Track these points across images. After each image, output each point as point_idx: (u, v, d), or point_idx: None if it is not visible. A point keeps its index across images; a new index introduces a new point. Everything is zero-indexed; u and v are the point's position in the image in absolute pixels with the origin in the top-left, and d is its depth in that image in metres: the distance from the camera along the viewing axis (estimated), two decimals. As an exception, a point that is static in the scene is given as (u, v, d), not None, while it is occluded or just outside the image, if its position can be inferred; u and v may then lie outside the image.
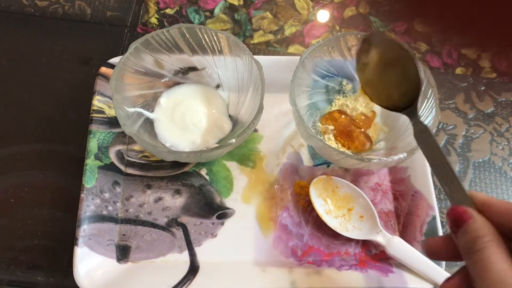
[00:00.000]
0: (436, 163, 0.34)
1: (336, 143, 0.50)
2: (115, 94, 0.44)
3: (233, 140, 0.44)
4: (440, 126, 0.56)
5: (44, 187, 0.50)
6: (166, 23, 0.61)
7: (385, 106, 0.44)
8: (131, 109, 0.47)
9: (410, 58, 0.41)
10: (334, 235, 0.48)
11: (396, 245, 0.46)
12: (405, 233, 0.48)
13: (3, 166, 0.51)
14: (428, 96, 0.47)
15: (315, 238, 0.48)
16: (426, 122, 0.46)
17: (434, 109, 0.46)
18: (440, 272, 0.44)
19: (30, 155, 0.51)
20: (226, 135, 0.50)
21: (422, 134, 0.37)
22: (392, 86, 0.44)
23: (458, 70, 0.60)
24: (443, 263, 0.45)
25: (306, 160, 0.52)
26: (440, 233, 0.46)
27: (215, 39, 0.49)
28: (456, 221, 0.29)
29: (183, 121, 0.50)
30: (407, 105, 0.41)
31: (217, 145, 0.49)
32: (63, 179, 0.50)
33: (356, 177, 0.51)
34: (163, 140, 0.49)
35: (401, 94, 0.43)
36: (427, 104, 0.47)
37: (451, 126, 0.56)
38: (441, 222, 0.48)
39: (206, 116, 0.50)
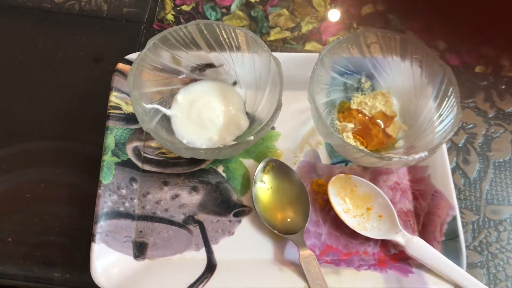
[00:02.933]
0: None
1: (355, 141, 0.49)
2: (133, 90, 0.44)
3: (252, 138, 0.43)
4: (459, 125, 0.55)
5: (60, 183, 0.50)
6: (182, 20, 0.60)
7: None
8: (149, 106, 0.47)
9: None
10: (352, 235, 0.47)
11: (416, 245, 0.45)
12: (424, 233, 0.48)
13: (20, 161, 0.51)
14: (448, 94, 0.47)
15: (333, 237, 0.47)
16: (446, 121, 0.45)
17: (455, 108, 0.45)
18: (461, 272, 0.44)
19: (47, 151, 0.51)
20: (243, 132, 0.50)
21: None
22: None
23: (478, 69, 0.59)
24: (464, 263, 0.45)
25: (324, 158, 0.51)
26: (461, 233, 0.45)
27: (233, 36, 0.48)
28: None
29: (200, 117, 0.49)
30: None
31: (234, 142, 0.49)
32: (79, 175, 0.50)
33: (375, 175, 0.50)
34: (180, 136, 0.49)
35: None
36: (448, 103, 0.47)
37: (471, 125, 0.55)
38: (462, 222, 0.47)
39: (223, 113, 0.50)
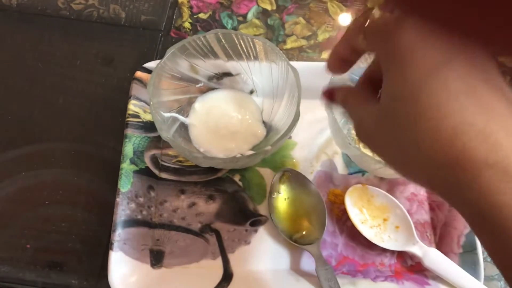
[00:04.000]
0: None
1: (372, 152, 0.49)
2: (152, 99, 0.44)
3: (269, 147, 0.43)
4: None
5: (78, 189, 0.50)
6: (199, 28, 0.61)
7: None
8: (167, 114, 0.47)
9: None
10: (369, 246, 0.47)
11: (433, 257, 0.45)
12: (441, 244, 0.47)
13: (38, 162, 0.51)
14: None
15: (349, 248, 0.47)
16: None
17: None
18: (478, 285, 0.43)
19: (65, 156, 0.52)
20: (260, 141, 0.50)
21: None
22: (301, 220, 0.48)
23: (495, 79, 0.59)
24: (482, 276, 0.44)
25: (341, 168, 0.51)
26: (479, 246, 0.45)
27: (251, 45, 0.48)
28: (331, 95, 0.35)
29: (217, 126, 0.50)
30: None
31: (251, 151, 0.49)
32: (97, 181, 0.51)
33: (391, 186, 0.50)
34: (197, 145, 0.49)
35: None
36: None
37: (489, 136, 0.55)
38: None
39: (240, 121, 0.50)
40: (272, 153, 0.51)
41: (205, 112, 0.51)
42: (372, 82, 0.31)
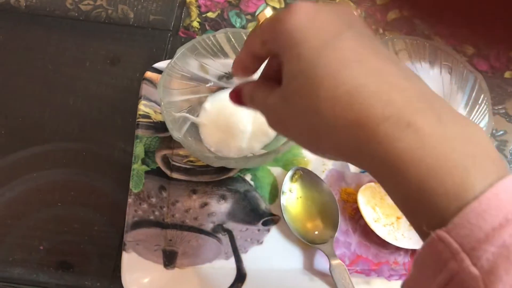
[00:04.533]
0: None
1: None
2: (163, 99, 0.44)
3: (281, 146, 0.43)
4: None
5: (90, 190, 0.50)
6: (207, 27, 0.60)
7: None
8: (178, 114, 0.47)
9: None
10: (382, 244, 0.46)
11: (447, 255, 0.44)
12: (455, 242, 0.47)
13: (49, 161, 0.51)
14: (479, 102, 0.46)
15: (363, 247, 0.47)
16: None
17: (486, 115, 0.45)
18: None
19: (76, 158, 0.52)
20: (271, 140, 0.50)
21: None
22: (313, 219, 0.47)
23: (507, 74, 0.58)
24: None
25: (353, 167, 0.51)
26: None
27: (261, 44, 0.48)
28: (238, 99, 0.35)
29: (228, 126, 0.49)
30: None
31: (262, 151, 0.49)
32: (108, 182, 0.51)
33: (404, 184, 0.49)
34: (208, 145, 0.49)
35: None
36: (478, 110, 0.46)
37: (501, 132, 0.54)
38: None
39: (250, 121, 0.50)
40: (283, 152, 0.51)
41: (216, 112, 0.50)
42: (271, 78, 0.32)
